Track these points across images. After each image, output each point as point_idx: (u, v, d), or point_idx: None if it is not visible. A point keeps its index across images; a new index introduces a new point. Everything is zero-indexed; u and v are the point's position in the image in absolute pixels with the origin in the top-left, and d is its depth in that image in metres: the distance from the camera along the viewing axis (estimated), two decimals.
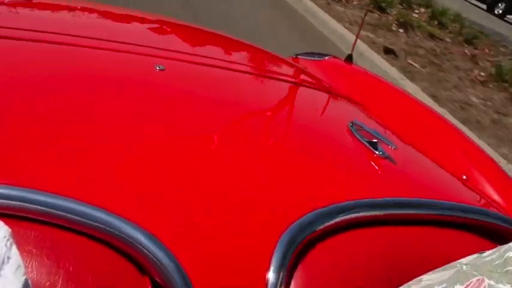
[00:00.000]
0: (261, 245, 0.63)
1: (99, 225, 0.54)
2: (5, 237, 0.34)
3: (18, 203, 0.53)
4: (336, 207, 0.71)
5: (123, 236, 0.54)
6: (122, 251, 0.55)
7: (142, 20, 1.43)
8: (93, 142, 0.70)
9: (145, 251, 0.54)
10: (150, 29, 1.39)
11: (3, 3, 1.13)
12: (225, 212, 0.66)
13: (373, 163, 0.95)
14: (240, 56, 1.41)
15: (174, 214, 0.62)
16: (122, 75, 0.93)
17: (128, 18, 1.40)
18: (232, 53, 1.40)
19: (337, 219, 0.70)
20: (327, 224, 0.68)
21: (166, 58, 1.03)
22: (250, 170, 0.78)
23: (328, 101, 1.26)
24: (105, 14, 1.31)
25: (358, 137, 1.00)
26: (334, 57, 1.65)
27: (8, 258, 0.32)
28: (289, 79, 1.31)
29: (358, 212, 0.74)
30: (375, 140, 0.99)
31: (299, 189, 0.78)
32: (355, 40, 1.66)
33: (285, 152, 0.90)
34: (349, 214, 0.72)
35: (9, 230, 0.37)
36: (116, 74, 0.93)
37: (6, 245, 0.33)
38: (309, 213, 0.67)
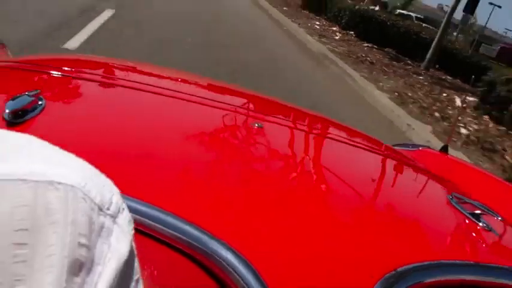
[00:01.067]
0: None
1: (219, 259, 0.57)
2: (118, 192, 0.35)
3: (159, 225, 0.58)
4: (432, 265, 0.70)
5: (239, 277, 0.57)
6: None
7: (239, 94, 1.53)
8: (213, 182, 0.77)
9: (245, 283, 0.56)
10: (248, 97, 1.48)
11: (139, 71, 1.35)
12: (322, 261, 0.67)
13: (475, 234, 0.91)
14: (332, 131, 1.46)
15: (286, 264, 0.64)
16: (230, 130, 1.06)
17: (228, 90, 1.53)
18: (323, 128, 1.45)
19: (436, 278, 0.69)
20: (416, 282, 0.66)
21: (262, 120, 1.13)
22: (348, 234, 0.79)
23: (426, 178, 1.26)
24: (212, 86, 1.49)
25: (459, 208, 0.97)
26: (429, 147, 1.62)
27: (123, 209, 0.34)
28: (385, 154, 1.35)
29: (457, 274, 0.72)
30: (477, 212, 0.96)
31: (396, 254, 0.76)
32: (451, 132, 1.68)
33: (382, 222, 0.88)
34: (448, 274, 0.71)
35: None
36: (225, 130, 1.06)
37: (121, 198, 0.34)
38: (398, 268, 0.67)
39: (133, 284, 0.34)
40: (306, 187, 0.90)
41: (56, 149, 0.33)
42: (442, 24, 9.68)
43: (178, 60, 4.92)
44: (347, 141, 1.31)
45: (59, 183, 0.30)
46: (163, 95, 1.07)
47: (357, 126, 1.56)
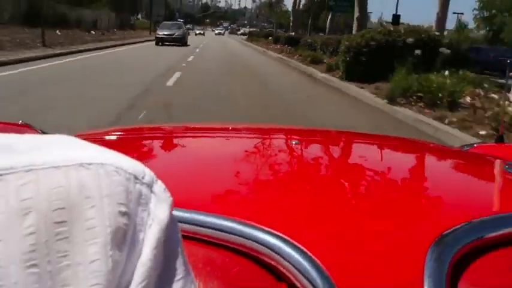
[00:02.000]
0: (412, 253, 0.59)
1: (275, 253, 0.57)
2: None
3: (238, 237, 0.59)
4: (497, 218, 0.69)
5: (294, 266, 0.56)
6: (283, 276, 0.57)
7: (280, 129, 1.84)
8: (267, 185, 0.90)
9: (287, 259, 0.56)
10: (282, 130, 1.80)
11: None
12: (372, 222, 0.67)
13: None
14: (370, 137, 1.60)
15: (324, 229, 0.66)
16: (276, 147, 1.31)
17: (272, 129, 1.82)
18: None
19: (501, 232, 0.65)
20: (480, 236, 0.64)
21: (298, 139, 1.34)
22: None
23: (479, 158, 1.29)
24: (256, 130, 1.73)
25: None
26: (484, 142, 1.67)
27: (156, 180, 0.35)
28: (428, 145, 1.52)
29: None
30: None
31: (454, 201, 0.81)
32: (502, 122, 1.84)
33: (434, 189, 0.93)
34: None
35: None
36: (272, 147, 1.30)
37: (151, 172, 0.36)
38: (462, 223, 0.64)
39: (181, 256, 0.35)
40: (358, 177, 0.99)
41: (84, 141, 0.36)
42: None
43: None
44: (386, 142, 1.48)
45: (89, 163, 0.32)
46: (242, 138, 1.43)
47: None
